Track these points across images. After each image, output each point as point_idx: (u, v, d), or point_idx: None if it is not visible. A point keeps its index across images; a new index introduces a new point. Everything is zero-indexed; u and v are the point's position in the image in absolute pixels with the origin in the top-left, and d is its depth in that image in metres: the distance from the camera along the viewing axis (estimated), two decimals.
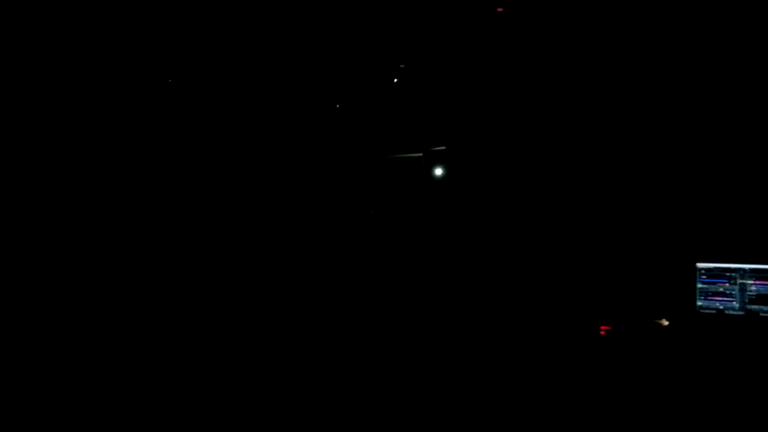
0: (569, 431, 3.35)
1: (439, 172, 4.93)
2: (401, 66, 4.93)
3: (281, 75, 5.04)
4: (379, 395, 3.90)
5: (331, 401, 3.87)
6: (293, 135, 5.31)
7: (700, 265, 3.57)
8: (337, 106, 5.17)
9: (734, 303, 3.45)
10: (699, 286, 3.55)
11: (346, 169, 5.29)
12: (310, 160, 5.31)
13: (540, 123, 4.45)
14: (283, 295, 4.98)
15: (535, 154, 4.42)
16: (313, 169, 5.31)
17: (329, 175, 5.30)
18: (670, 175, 3.87)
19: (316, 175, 5.30)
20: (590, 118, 4.22)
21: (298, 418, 3.72)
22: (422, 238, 4.95)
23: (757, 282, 3.40)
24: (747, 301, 3.43)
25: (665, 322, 3.48)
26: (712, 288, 3.52)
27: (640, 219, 3.93)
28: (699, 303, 3.54)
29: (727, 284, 3.48)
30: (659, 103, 3.96)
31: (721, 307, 3.48)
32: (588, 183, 4.15)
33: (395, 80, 4.83)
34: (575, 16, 4.17)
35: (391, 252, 5.05)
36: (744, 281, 3.44)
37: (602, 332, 3.47)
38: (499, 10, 4.44)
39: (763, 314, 3.38)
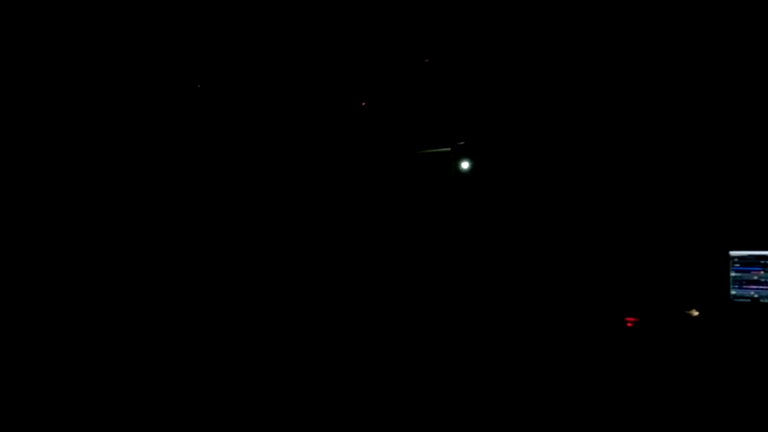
0: (594, 424, 3.34)
1: (466, 166, 4.93)
2: (426, 60, 4.95)
3: (309, 73, 5.16)
4: (415, 384, 3.98)
5: (367, 396, 3.98)
6: (322, 134, 5.42)
7: (733, 253, 3.46)
8: (363, 104, 5.24)
9: None
10: (732, 274, 3.46)
11: (374, 166, 5.36)
12: (339, 159, 5.42)
13: (567, 116, 4.38)
14: (309, 288, 5.13)
15: (564, 146, 4.36)
16: (343, 167, 5.41)
17: (359, 172, 5.39)
18: (701, 159, 3.75)
19: (345, 173, 5.40)
20: (616, 109, 4.13)
21: (310, 416, 3.83)
22: (451, 232, 4.97)
23: None
24: None
25: (695, 313, 3.40)
26: (746, 276, 3.41)
27: (669, 205, 3.83)
28: (732, 292, 3.45)
29: (762, 272, 3.37)
30: (685, 91, 3.83)
31: (756, 296, 3.38)
32: (616, 170, 4.07)
33: (426, 60, 4.82)
34: (604, 10, 4.08)
35: (420, 245, 5.10)
36: None
37: (629, 324, 3.43)
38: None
39: None
